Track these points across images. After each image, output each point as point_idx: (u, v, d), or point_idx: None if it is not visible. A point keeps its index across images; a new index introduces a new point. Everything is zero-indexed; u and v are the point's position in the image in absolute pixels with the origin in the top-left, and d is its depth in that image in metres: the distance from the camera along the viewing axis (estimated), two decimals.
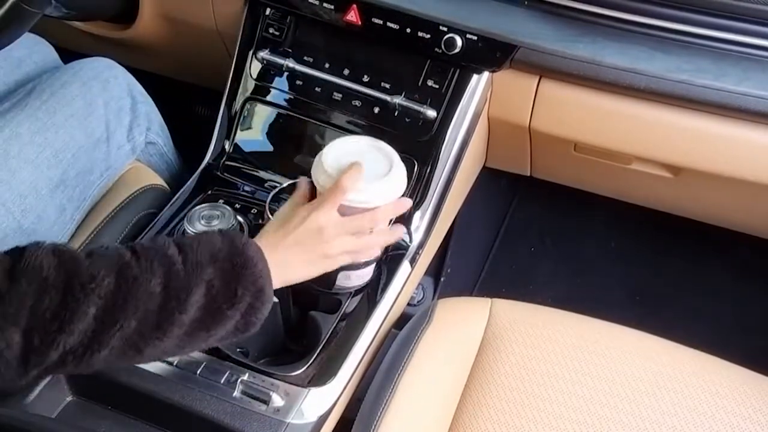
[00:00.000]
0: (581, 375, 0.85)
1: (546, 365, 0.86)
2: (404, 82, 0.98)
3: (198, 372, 0.81)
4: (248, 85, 1.05)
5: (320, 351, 0.85)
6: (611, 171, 1.03)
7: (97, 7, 1.16)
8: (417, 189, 0.98)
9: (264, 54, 1.02)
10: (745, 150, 0.91)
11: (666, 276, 1.45)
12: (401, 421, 0.82)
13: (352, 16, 0.97)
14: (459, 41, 0.93)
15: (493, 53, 0.94)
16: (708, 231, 1.17)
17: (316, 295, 0.91)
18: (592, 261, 1.48)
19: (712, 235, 1.21)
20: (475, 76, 0.96)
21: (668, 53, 0.90)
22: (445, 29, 0.94)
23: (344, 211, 0.81)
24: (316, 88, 1.01)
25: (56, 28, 1.21)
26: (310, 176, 0.83)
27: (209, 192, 1.02)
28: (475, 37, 0.93)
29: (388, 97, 0.97)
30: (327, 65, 1.01)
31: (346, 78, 1.00)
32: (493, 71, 0.96)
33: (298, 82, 1.02)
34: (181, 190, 1.03)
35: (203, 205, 0.95)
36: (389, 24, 0.96)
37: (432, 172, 0.98)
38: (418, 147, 0.98)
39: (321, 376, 0.83)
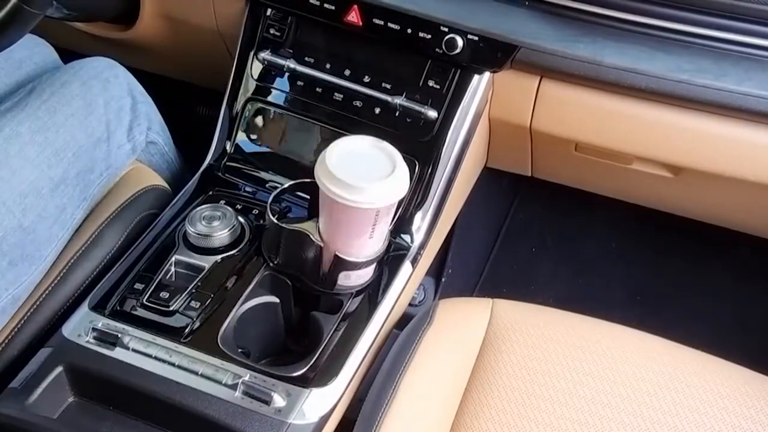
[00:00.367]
0: (582, 375, 0.85)
1: (547, 365, 0.86)
2: (405, 82, 0.98)
3: (199, 372, 0.81)
4: (249, 85, 1.05)
5: (321, 351, 0.85)
6: (612, 171, 1.03)
7: (98, 7, 1.16)
8: (418, 189, 0.98)
9: (265, 54, 1.02)
10: (746, 150, 0.91)
11: (667, 276, 1.46)
12: (402, 422, 0.82)
13: (353, 16, 0.97)
14: (460, 41, 0.93)
15: (494, 53, 0.94)
16: (708, 231, 1.17)
17: (318, 295, 0.91)
18: (593, 261, 1.48)
19: (712, 235, 1.21)
20: (476, 77, 0.96)
21: (669, 53, 0.90)
22: (446, 30, 0.94)
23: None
24: (317, 89, 1.01)
25: (57, 28, 1.20)
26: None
27: (210, 193, 1.02)
28: (476, 38, 0.93)
29: (389, 98, 0.97)
30: (328, 66, 1.01)
31: (347, 78, 1.00)
32: (494, 71, 0.96)
33: (299, 83, 1.02)
34: (183, 190, 1.03)
35: (204, 205, 0.95)
36: (390, 24, 0.96)
37: (433, 172, 0.98)
38: (419, 147, 0.98)
39: (322, 377, 0.83)
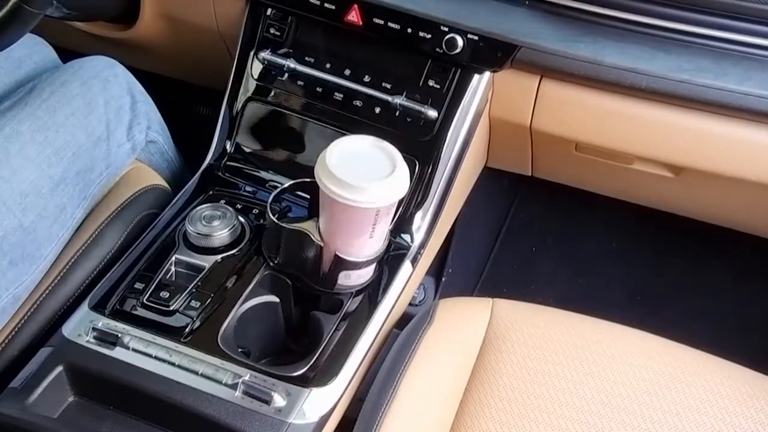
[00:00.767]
0: (583, 375, 0.85)
1: (547, 365, 0.86)
2: (405, 82, 0.98)
3: (200, 372, 0.81)
4: (249, 85, 1.05)
5: (322, 351, 0.85)
6: (612, 171, 1.03)
7: (98, 7, 1.16)
8: (418, 189, 0.98)
9: (265, 54, 1.02)
10: (747, 150, 0.91)
11: (667, 276, 1.46)
12: (403, 421, 0.82)
13: (353, 16, 0.97)
14: (460, 41, 0.93)
15: (494, 53, 0.94)
16: (708, 231, 1.17)
17: (318, 295, 0.91)
18: (593, 261, 1.48)
19: (712, 235, 1.21)
20: (476, 76, 0.96)
21: (669, 53, 0.90)
22: (446, 29, 0.94)
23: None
24: (318, 89, 1.01)
25: (57, 28, 1.20)
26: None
27: (210, 192, 1.02)
28: (476, 37, 0.93)
29: (389, 98, 0.97)
30: (328, 65, 1.01)
31: (347, 78, 1.00)
32: (494, 71, 0.96)
33: (300, 83, 1.02)
34: (183, 190, 1.03)
35: (204, 205, 0.95)
36: (390, 24, 0.96)
37: (433, 172, 0.98)
38: (420, 147, 0.97)
39: (322, 376, 0.83)
